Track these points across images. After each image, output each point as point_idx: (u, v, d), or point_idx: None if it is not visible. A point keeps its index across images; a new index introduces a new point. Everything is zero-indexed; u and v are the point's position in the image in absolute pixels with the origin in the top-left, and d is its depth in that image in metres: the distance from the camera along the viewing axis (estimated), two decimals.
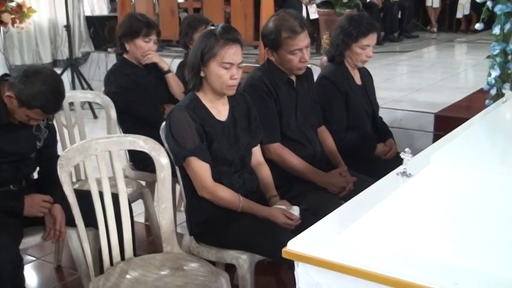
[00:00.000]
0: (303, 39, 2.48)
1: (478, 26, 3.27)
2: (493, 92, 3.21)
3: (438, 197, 1.39)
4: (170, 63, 4.05)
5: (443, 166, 1.47)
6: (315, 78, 2.87)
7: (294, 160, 2.53)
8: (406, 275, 1.13)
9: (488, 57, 3.24)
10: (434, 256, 1.17)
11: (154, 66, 3.21)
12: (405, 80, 5.47)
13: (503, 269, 1.12)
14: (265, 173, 2.39)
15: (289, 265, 1.32)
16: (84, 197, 2.06)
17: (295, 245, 1.26)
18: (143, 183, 3.12)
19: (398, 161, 1.70)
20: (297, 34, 2.46)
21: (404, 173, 1.64)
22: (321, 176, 2.53)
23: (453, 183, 1.43)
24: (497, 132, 1.97)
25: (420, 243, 1.23)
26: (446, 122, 3.46)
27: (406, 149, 1.65)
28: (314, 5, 5.80)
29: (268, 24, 2.55)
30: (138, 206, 2.95)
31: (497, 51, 3.17)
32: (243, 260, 2.16)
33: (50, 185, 2.33)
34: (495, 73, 3.19)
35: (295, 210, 2.21)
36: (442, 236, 1.25)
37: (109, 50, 6.73)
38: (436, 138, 2.83)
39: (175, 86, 3.22)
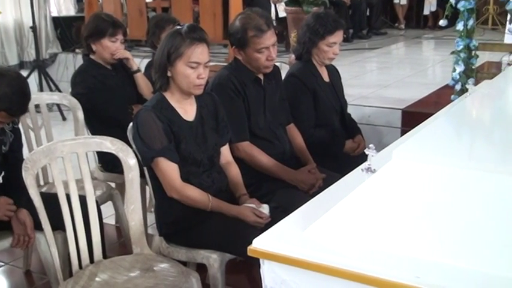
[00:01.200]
0: (270, 38, 2.49)
1: (442, 22, 3.33)
2: (458, 87, 3.27)
3: (400, 192, 1.41)
4: (139, 63, 4.01)
5: (405, 160, 1.49)
6: (284, 76, 2.89)
7: (263, 158, 2.54)
8: (369, 269, 1.15)
9: (452, 53, 3.30)
10: (396, 250, 1.19)
11: (122, 66, 3.18)
12: (373, 77, 5.53)
13: (463, 262, 1.15)
14: (234, 172, 2.39)
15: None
16: (51, 200, 2.03)
17: (260, 243, 1.27)
18: (113, 184, 3.09)
19: (367, 157, 1.71)
20: (263, 32, 2.47)
21: (369, 169, 1.66)
22: (291, 174, 2.55)
23: (415, 177, 1.45)
24: (458, 127, 2.01)
25: (383, 238, 1.25)
26: (413, 117, 3.51)
27: (371, 145, 1.67)
28: (283, 3, 5.82)
29: (234, 23, 2.55)
30: (109, 208, 2.93)
31: (461, 47, 3.24)
32: (213, 259, 2.16)
33: (16, 189, 2.29)
34: (459, 69, 3.25)
35: (265, 209, 2.22)
36: (404, 231, 1.27)
37: (77, 50, 6.64)
38: (404, 133, 2.86)
39: (144, 85, 3.19)
